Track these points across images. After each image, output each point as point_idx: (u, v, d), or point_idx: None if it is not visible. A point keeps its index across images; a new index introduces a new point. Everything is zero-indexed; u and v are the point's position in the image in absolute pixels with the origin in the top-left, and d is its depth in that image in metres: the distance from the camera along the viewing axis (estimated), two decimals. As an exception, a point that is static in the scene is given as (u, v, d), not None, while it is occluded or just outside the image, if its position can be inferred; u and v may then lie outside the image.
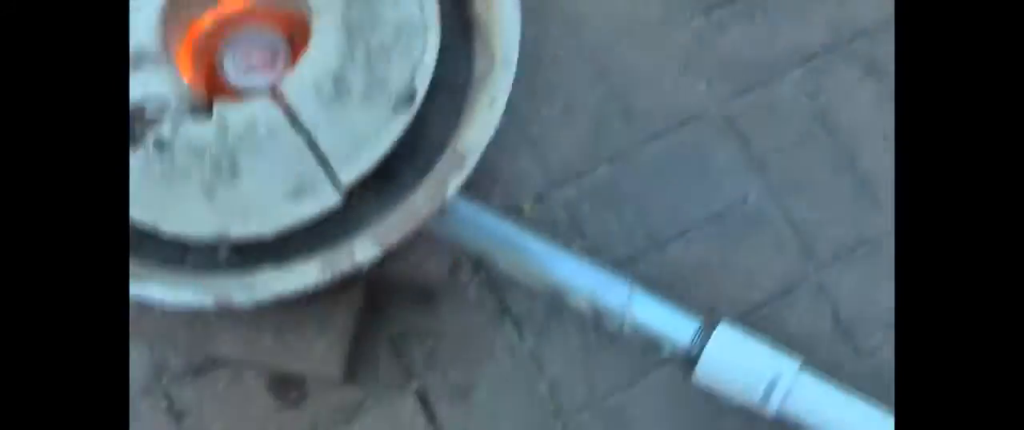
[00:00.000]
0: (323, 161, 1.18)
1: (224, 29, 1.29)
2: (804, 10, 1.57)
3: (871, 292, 1.44)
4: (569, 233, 1.47)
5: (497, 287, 1.43)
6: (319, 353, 1.36)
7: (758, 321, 1.41)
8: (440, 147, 1.22)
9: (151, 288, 1.15)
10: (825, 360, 1.34)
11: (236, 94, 1.26)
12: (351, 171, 1.18)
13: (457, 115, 1.23)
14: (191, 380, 1.42)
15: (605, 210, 1.48)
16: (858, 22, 1.56)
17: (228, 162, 1.19)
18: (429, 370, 1.43)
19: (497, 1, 1.24)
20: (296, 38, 1.27)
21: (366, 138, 1.19)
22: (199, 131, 1.20)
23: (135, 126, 1.18)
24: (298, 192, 1.18)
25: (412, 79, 1.21)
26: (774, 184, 1.50)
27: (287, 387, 1.43)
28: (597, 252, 1.45)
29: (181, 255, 1.23)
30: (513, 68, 1.19)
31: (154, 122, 1.19)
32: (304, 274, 1.15)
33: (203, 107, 1.21)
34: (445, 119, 1.24)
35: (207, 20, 1.30)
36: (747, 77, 1.53)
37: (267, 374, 1.42)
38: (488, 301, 1.45)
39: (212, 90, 1.27)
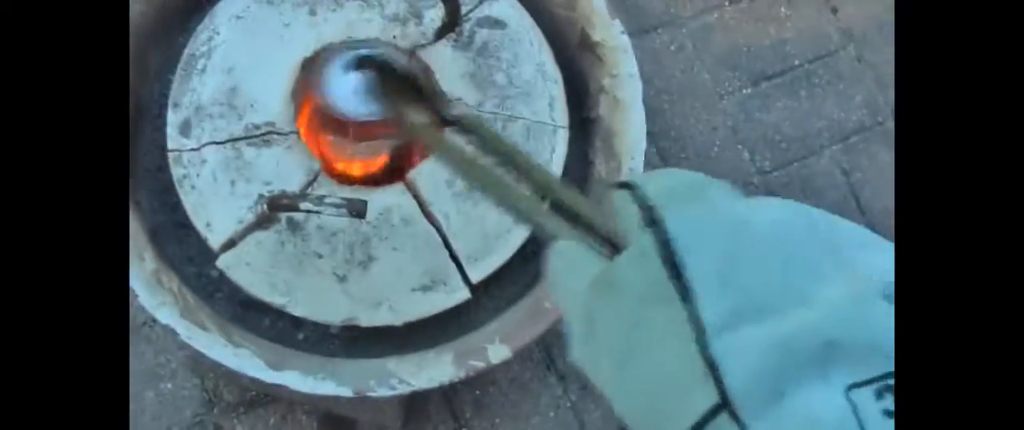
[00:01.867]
0: (454, 256, 1.22)
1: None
2: (845, 88, 1.66)
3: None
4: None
5: (544, 342, 1.50)
6: (379, 402, 1.41)
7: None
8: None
9: (290, 377, 1.17)
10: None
11: (359, 171, 1.28)
12: (481, 268, 1.23)
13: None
14: (243, 414, 1.45)
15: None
16: (894, 100, 1.66)
17: (362, 248, 1.22)
18: (478, 418, 1.50)
19: (624, 107, 1.28)
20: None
21: (496, 236, 1.24)
22: (333, 201, 1.20)
23: (268, 204, 1.18)
24: (429, 285, 1.22)
25: (542, 180, 1.25)
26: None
27: (338, 428, 1.48)
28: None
29: (294, 331, 1.24)
30: (640, 178, 1.24)
31: (288, 205, 1.20)
32: (440, 371, 1.19)
33: (336, 187, 1.22)
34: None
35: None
36: (788, 150, 1.62)
37: (319, 414, 1.46)
38: (536, 354, 1.51)
39: (334, 165, 1.28)
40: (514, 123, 1.26)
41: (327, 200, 1.11)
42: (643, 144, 1.26)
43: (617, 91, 1.28)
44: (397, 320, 1.21)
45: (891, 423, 0.48)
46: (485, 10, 1.30)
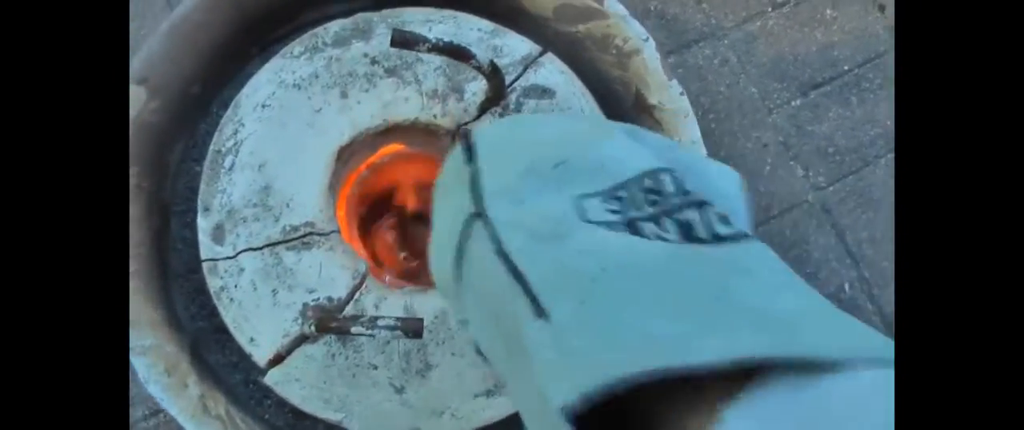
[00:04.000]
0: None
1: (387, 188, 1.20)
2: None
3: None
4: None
5: None
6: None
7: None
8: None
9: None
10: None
11: (408, 268, 1.19)
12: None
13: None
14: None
15: (707, 304, 1.48)
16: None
17: (418, 356, 1.14)
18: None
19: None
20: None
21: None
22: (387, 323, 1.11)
23: (317, 326, 1.10)
24: (493, 389, 1.14)
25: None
26: (867, 275, 1.53)
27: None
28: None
29: None
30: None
31: (335, 312, 1.12)
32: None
33: (383, 289, 1.14)
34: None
35: (362, 174, 1.22)
36: (843, 163, 1.53)
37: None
38: None
39: (379, 262, 1.19)
40: (571, 204, 1.16)
41: (380, 322, 1.01)
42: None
43: (678, 159, 1.17)
44: (461, 429, 1.12)
45: (615, 216, 0.67)
46: (531, 78, 1.19)
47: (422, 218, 1.16)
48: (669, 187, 0.70)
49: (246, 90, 1.16)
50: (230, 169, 1.14)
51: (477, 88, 1.17)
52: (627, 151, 0.74)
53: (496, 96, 1.15)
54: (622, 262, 0.62)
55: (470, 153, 0.77)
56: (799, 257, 1.51)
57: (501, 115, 1.17)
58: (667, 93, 1.19)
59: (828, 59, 1.57)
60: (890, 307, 1.52)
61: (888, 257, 1.53)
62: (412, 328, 1.03)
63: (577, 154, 0.72)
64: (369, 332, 1.03)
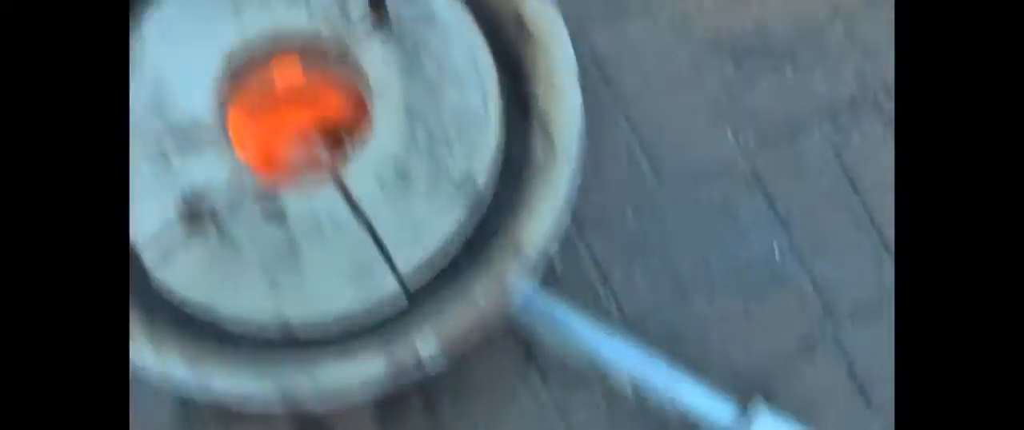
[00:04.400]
0: (383, 250, 1.19)
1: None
2: (833, 63, 1.59)
3: (887, 350, 1.48)
4: (595, 281, 1.49)
5: (523, 339, 1.45)
6: (354, 405, 1.39)
7: (778, 376, 1.52)
8: (499, 236, 1.22)
9: (213, 379, 1.15)
10: (842, 414, 1.48)
11: (291, 170, 1.25)
12: (410, 259, 1.20)
13: (514, 201, 1.23)
14: (220, 424, 1.43)
15: (632, 260, 1.51)
16: (885, 74, 1.58)
17: (290, 250, 1.19)
18: (457, 420, 1.46)
19: (559, 93, 1.23)
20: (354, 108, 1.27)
21: (428, 228, 1.20)
22: (262, 219, 1.17)
23: (196, 210, 1.16)
24: (358, 280, 1.19)
25: (474, 169, 1.21)
26: (798, 241, 1.53)
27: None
28: (622, 300, 1.47)
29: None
30: (574, 163, 1.20)
31: (215, 208, 1.19)
32: (369, 367, 1.16)
33: (264, 190, 1.21)
34: (503, 206, 1.24)
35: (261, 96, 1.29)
36: (775, 131, 1.56)
37: (296, 421, 1.43)
38: (515, 352, 1.47)
39: (266, 164, 1.26)
40: (444, 112, 1.23)
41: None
42: (578, 128, 1.23)
43: (552, 76, 1.24)
44: (327, 314, 1.18)
45: None
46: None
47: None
48: None
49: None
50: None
51: (362, 6, 1.26)
52: None
53: (378, 17, 1.24)
54: None
55: None
56: (727, 220, 1.59)
57: (385, 35, 1.25)
58: (542, 13, 1.28)
59: (763, 32, 1.67)
60: (821, 275, 1.54)
61: (820, 225, 1.59)
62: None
63: None
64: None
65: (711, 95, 1.57)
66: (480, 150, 1.21)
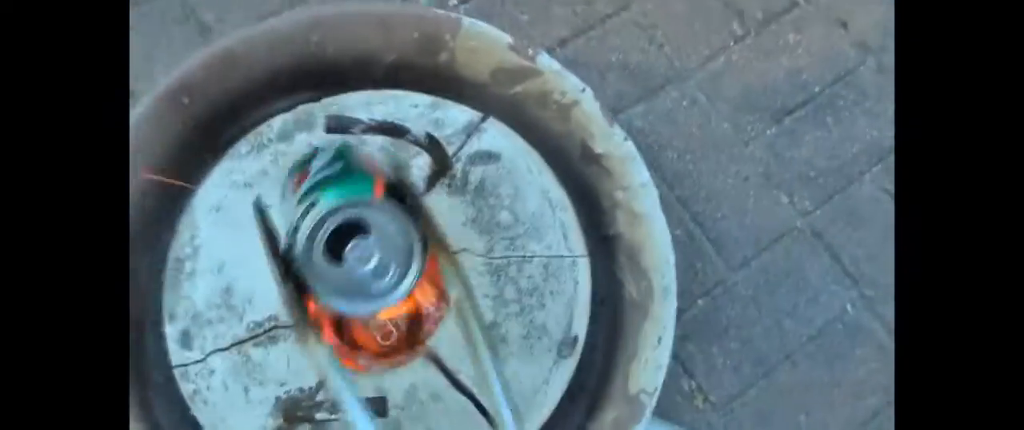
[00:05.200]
0: (493, 422, 1.13)
1: None
2: (872, 105, 1.55)
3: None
4: (678, 375, 1.45)
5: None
6: None
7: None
8: (606, 382, 1.17)
9: None
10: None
11: (377, 346, 1.18)
12: (526, 428, 1.13)
13: (615, 343, 1.18)
14: None
15: (709, 345, 1.47)
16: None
17: (395, 434, 1.13)
18: None
19: (643, 220, 1.18)
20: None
21: (533, 389, 1.15)
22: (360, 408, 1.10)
23: (284, 417, 1.10)
24: (471, 460, 1.13)
25: (570, 319, 1.15)
26: (868, 293, 1.50)
27: None
28: (708, 390, 1.43)
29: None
30: (674, 299, 1.15)
31: (309, 403, 1.12)
32: None
33: (352, 371, 1.14)
34: (601, 347, 1.19)
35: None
36: (827, 184, 1.51)
37: None
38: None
39: (347, 347, 1.19)
40: (529, 263, 1.16)
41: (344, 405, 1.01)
42: (671, 257, 1.16)
43: (632, 203, 1.17)
44: (445, 502, 1.11)
45: None
46: (474, 145, 1.20)
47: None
48: None
49: (198, 195, 1.18)
50: (191, 274, 1.16)
51: (422, 162, 1.18)
52: None
53: (441, 167, 1.16)
54: None
55: None
56: (796, 285, 1.49)
57: (450, 186, 1.18)
58: (612, 141, 1.19)
59: (797, 83, 1.57)
60: (897, 322, 1.48)
61: (886, 272, 1.51)
62: (376, 407, 1.04)
63: None
64: (333, 417, 1.03)
65: (757, 158, 1.51)
66: (573, 298, 1.15)
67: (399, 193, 0.94)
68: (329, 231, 0.90)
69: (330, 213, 0.90)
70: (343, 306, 0.93)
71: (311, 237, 0.90)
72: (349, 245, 0.88)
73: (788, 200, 1.50)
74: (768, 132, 1.53)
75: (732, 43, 1.58)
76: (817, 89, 1.56)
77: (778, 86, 1.56)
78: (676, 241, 1.36)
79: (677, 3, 1.58)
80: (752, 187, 1.51)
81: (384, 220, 0.91)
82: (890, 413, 1.47)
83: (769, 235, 1.51)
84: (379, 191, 0.95)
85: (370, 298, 0.91)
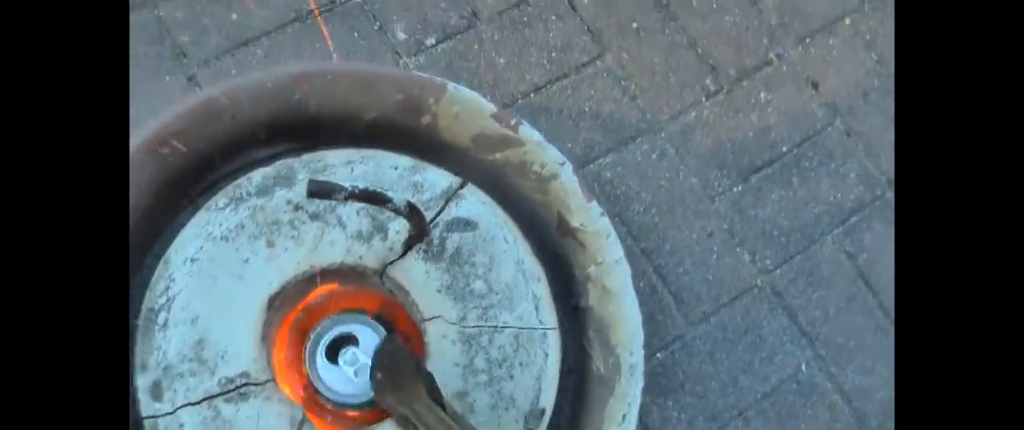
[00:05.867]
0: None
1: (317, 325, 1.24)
2: (837, 166, 1.58)
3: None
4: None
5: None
6: None
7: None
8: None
9: None
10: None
11: (340, 410, 1.20)
12: (490, 494, 1.16)
13: (580, 418, 1.21)
14: None
15: (665, 398, 1.50)
16: (888, 170, 1.59)
17: (361, 499, 1.15)
18: None
19: (614, 296, 1.21)
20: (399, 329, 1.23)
21: (496, 453, 1.17)
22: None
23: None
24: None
25: (538, 392, 1.18)
26: (823, 353, 1.54)
27: None
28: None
29: None
30: (641, 377, 1.18)
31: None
32: None
33: None
34: (567, 414, 1.22)
35: (295, 322, 1.25)
36: (789, 244, 1.55)
37: None
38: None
39: (316, 406, 1.21)
40: (500, 334, 1.18)
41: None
42: (640, 335, 1.19)
43: (605, 279, 1.19)
44: None
45: None
46: (453, 211, 1.21)
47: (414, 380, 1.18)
48: None
49: (174, 246, 1.18)
50: (164, 326, 1.16)
51: (400, 226, 1.19)
52: None
53: (419, 234, 1.17)
54: None
55: None
56: (753, 343, 1.52)
57: (426, 252, 1.19)
58: (587, 214, 1.20)
59: (766, 142, 1.59)
60: (849, 384, 1.52)
61: (842, 333, 1.54)
62: (346, 478, 1.05)
63: None
64: (303, 486, 1.04)
65: (722, 214, 1.54)
66: (542, 370, 1.17)
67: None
68: (329, 340, 1.20)
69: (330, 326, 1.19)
70: (335, 395, 1.20)
71: (315, 342, 1.19)
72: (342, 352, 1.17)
73: (750, 258, 1.53)
74: (735, 189, 1.55)
75: (704, 99, 1.60)
76: (784, 148, 1.59)
77: (747, 144, 1.58)
78: (638, 293, 1.38)
79: (653, 55, 1.60)
80: (716, 243, 1.53)
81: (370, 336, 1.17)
82: (836, 474, 1.50)
83: (730, 292, 1.53)
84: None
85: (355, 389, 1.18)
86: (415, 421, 1.03)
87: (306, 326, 1.21)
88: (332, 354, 1.22)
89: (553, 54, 1.56)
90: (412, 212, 1.11)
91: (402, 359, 1.11)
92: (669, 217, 1.54)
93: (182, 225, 1.21)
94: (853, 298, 1.56)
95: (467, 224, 1.20)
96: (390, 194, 1.08)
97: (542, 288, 1.20)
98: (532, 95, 1.54)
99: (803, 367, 1.52)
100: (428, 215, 1.17)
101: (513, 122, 1.19)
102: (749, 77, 1.61)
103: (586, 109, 1.56)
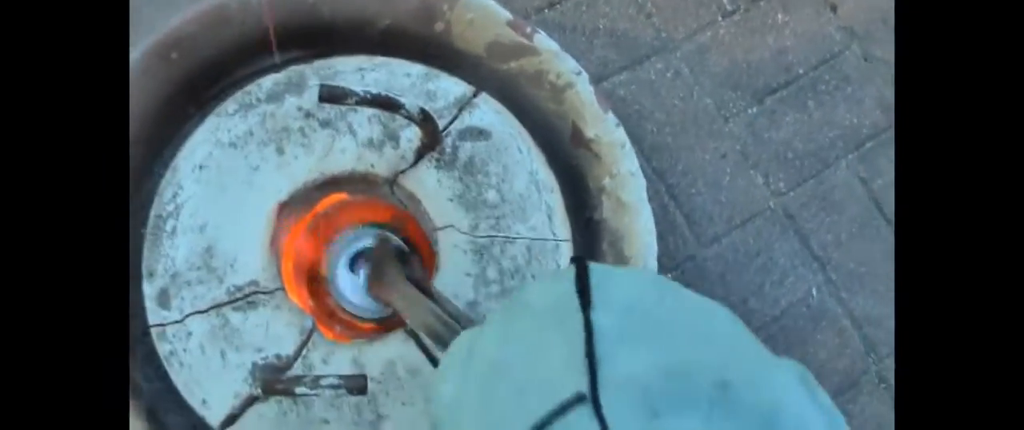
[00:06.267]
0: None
1: (331, 236, 1.22)
2: (854, 91, 1.56)
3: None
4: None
5: None
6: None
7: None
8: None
9: None
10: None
11: (355, 321, 1.19)
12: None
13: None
14: None
15: (674, 318, 1.48)
16: (903, 96, 1.57)
17: (370, 408, 1.14)
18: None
19: (628, 208, 1.19)
20: (410, 240, 1.21)
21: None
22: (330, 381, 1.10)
23: (262, 387, 1.10)
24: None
25: (550, 303, 1.16)
26: (834, 278, 1.53)
27: None
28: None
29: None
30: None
31: (283, 369, 1.14)
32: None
33: (331, 344, 1.18)
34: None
35: (307, 231, 1.23)
36: (803, 167, 1.53)
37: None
38: None
39: (326, 315, 1.19)
40: (513, 244, 1.17)
41: (323, 382, 1.02)
42: (654, 247, 1.17)
43: (620, 191, 1.17)
44: (416, 478, 1.13)
45: None
46: (466, 120, 1.19)
47: (393, 265, 1.16)
48: None
49: (183, 152, 1.17)
50: (172, 233, 1.15)
51: (412, 134, 1.17)
52: (804, 408, 0.58)
53: (431, 142, 1.15)
54: None
55: (584, 293, 0.61)
56: (764, 265, 1.50)
57: (439, 160, 1.17)
58: (603, 125, 1.19)
59: (782, 64, 1.57)
60: (860, 310, 1.51)
61: (854, 259, 1.53)
62: (355, 385, 1.04)
63: (744, 381, 0.56)
64: (313, 392, 1.03)
65: (736, 136, 1.51)
66: (554, 279, 1.15)
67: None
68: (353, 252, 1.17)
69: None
70: (352, 306, 1.19)
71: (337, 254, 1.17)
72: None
73: (763, 181, 1.51)
74: (749, 111, 1.53)
75: (720, 18, 1.58)
76: (800, 71, 1.56)
77: (762, 65, 1.56)
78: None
79: (669, -27, 1.57)
80: (729, 165, 1.51)
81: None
82: (850, 396, 1.49)
83: (742, 214, 1.52)
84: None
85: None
86: (400, 310, 1.03)
87: (316, 236, 1.18)
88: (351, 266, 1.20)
89: (568, -30, 1.54)
90: (425, 119, 1.09)
91: (386, 253, 1.13)
92: (682, 137, 1.51)
93: (190, 132, 1.18)
94: (866, 224, 1.54)
95: (480, 133, 1.17)
96: (403, 100, 1.06)
97: (555, 199, 1.18)
98: (546, 11, 1.51)
99: (813, 292, 1.51)
100: (441, 123, 1.15)
101: (528, 30, 1.17)
102: (766, -2, 1.58)
103: (601, 26, 1.53)
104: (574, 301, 0.61)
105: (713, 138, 1.53)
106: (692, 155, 1.52)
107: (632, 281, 0.65)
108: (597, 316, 0.58)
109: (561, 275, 0.64)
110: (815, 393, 0.61)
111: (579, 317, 0.58)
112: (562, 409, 0.53)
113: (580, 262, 0.65)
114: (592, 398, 0.53)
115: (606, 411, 0.52)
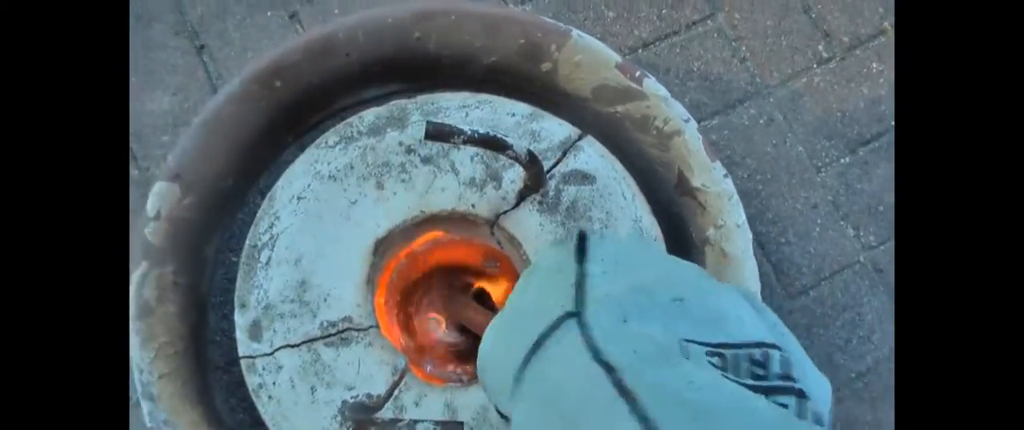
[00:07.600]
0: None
1: (425, 278, 1.22)
2: (949, 144, 1.52)
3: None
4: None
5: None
6: None
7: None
8: None
9: None
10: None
11: (449, 356, 1.16)
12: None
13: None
14: None
15: (758, 370, 1.44)
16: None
17: (463, 451, 1.11)
18: None
19: (733, 262, 1.16)
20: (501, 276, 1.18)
21: None
22: (426, 426, 1.08)
23: (356, 415, 1.08)
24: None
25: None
26: (922, 336, 1.48)
27: None
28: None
29: None
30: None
31: (374, 409, 1.11)
32: None
33: (423, 385, 1.14)
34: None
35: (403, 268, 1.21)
36: (893, 221, 1.49)
37: None
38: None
39: (419, 353, 1.16)
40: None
41: (419, 426, 0.99)
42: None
43: (724, 243, 1.14)
44: (507, 528, 1.09)
45: (715, 370, 0.65)
46: (570, 163, 1.16)
47: (465, 296, 1.14)
48: (776, 367, 0.70)
49: (281, 182, 1.14)
50: (266, 264, 1.12)
51: (515, 175, 1.14)
52: (745, 313, 0.74)
53: (536, 184, 1.13)
54: (738, 407, 0.62)
55: (582, 253, 0.78)
56: (851, 321, 1.47)
57: (541, 203, 1.14)
58: (710, 175, 1.15)
59: (875, 114, 1.53)
60: (946, 369, 1.46)
61: (943, 317, 1.48)
62: (452, 432, 1.01)
63: (695, 297, 0.73)
64: (409, 436, 1.00)
65: (828, 186, 1.48)
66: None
67: None
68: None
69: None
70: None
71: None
72: None
73: (854, 233, 1.48)
74: (842, 160, 1.50)
75: (816, 65, 1.54)
76: (894, 122, 1.52)
77: (857, 115, 1.52)
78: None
79: (766, 17, 1.53)
80: (820, 215, 1.48)
81: None
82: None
83: (831, 266, 1.48)
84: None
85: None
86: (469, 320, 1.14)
87: (411, 273, 1.16)
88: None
89: (664, 10, 1.51)
90: (532, 161, 1.06)
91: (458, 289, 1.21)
92: (773, 185, 1.48)
93: (288, 162, 1.16)
94: (957, 281, 1.49)
95: (585, 177, 1.15)
96: (510, 141, 1.03)
97: (659, 248, 1.15)
98: (640, 51, 1.48)
99: (901, 349, 1.46)
100: (545, 165, 1.12)
101: (638, 74, 1.14)
102: (862, 46, 1.54)
103: (694, 69, 1.50)
104: (573, 258, 0.78)
105: (804, 187, 1.49)
106: (783, 203, 1.49)
107: (622, 243, 0.82)
108: (589, 266, 0.76)
109: (566, 242, 0.82)
110: (758, 306, 0.79)
111: (575, 267, 0.76)
112: (556, 324, 0.70)
113: (581, 233, 0.82)
114: (576, 312, 0.70)
115: (588, 320, 0.68)
